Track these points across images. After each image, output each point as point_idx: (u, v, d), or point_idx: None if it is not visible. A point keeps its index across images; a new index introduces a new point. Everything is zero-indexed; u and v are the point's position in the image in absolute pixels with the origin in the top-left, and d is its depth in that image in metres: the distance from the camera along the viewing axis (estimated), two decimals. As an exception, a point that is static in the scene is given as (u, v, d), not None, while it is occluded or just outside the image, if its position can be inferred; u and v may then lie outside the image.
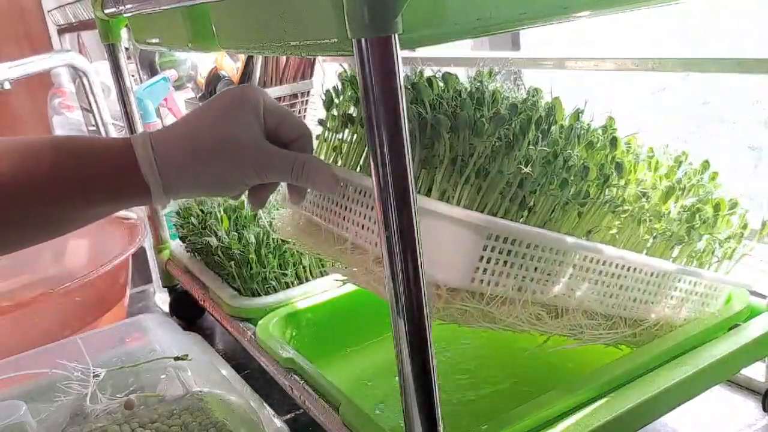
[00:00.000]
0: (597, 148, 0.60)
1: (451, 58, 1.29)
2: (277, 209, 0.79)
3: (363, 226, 0.60)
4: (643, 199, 0.61)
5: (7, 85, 1.36)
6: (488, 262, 0.54)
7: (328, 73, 1.57)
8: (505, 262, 0.54)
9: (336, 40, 0.40)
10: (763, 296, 0.72)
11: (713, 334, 0.67)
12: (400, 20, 0.37)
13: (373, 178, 0.40)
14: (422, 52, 1.39)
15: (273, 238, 0.87)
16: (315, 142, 0.63)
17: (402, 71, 0.37)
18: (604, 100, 1.20)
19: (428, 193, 0.54)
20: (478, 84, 0.62)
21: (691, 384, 0.61)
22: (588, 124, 0.62)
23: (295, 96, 1.47)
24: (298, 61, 1.44)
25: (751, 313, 0.70)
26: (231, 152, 0.51)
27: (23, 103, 2.60)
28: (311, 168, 0.54)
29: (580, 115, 0.62)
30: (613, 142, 0.61)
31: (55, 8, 2.14)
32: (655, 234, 0.63)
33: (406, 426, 0.46)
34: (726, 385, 0.75)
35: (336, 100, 0.68)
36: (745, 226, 0.69)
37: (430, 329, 0.43)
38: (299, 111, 1.49)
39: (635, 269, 0.62)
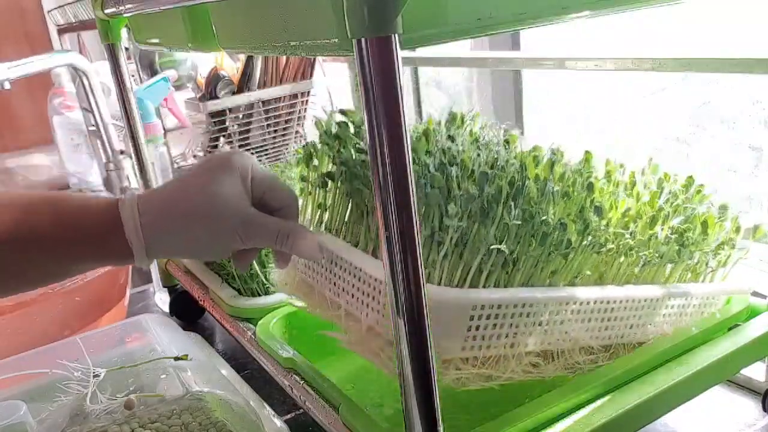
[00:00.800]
0: (574, 196, 0.59)
1: (451, 58, 1.29)
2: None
3: (353, 296, 0.61)
4: (628, 236, 0.61)
5: (7, 85, 1.36)
6: (477, 329, 0.54)
7: (329, 73, 1.57)
8: (495, 325, 0.55)
9: (336, 40, 0.40)
10: (763, 296, 0.72)
11: (713, 334, 0.67)
12: (400, 20, 0.37)
13: (373, 178, 0.40)
14: (422, 52, 1.39)
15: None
16: (300, 199, 0.63)
17: (402, 71, 0.38)
18: (604, 100, 1.20)
19: None
20: (449, 144, 0.60)
21: (691, 384, 0.61)
22: (562, 173, 0.60)
23: (295, 96, 1.47)
24: (298, 61, 1.44)
25: (751, 313, 0.70)
26: (216, 220, 0.52)
27: (23, 103, 2.60)
28: (296, 237, 0.55)
29: (554, 164, 0.61)
30: (590, 187, 0.59)
31: (55, 8, 2.14)
32: (644, 261, 0.63)
33: (406, 426, 0.46)
34: (726, 385, 0.75)
35: (315, 157, 0.68)
36: (737, 230, 0.69)
37: (430, 329, 0.43)
38: (299, 111, 1.49)
39: (628, 300, 0.62)
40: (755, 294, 0.72)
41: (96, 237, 0.52)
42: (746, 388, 0.74)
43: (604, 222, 0.59)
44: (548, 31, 1.18)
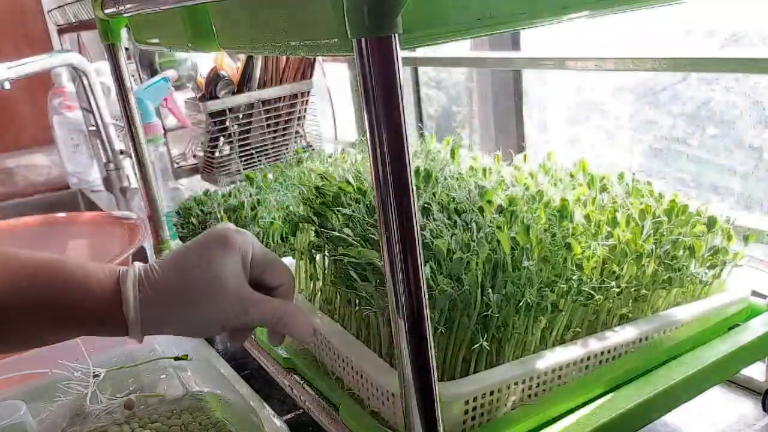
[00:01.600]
0: (553, 261, 0.58)
1: (451, 58, 1.29)
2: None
3: (353, 378, 0.61)
4: (613, 284, 0.60)
5: (7, 85, 1.37)
6: (474, 409, 0.55)
7: (329, 73, 1.57)
8: (491, 401, 0.55)
9: (336, 40, 0.40)
10: (763, 296, 0.72)
11: (713, 334, 0.67)
12: (400, 20, 0.37)
13: (373, 177, 0.40)
14: (422, 52, 1.39)
15: (272, 238, 0.87)
16: (292, 265, 0.64)
17: (402, 71, 0.38)
18: (603, 100, 1.20)
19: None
20: (423, 222, 0.58)
21: (691, 384, 0.61)
22: (539, 239, 0.58)
23: (295, 96, 1.47)
24: (298, 61, 1.44)
25: (751, 313, 0.70)
26: (215, 303, 0.53)
27: (23, 103, 2.60)
28: (290, 319, 0.55)
29: (529, 228, 0.58)
30: (569, 247, 0.59)
31: (55, 8, 2.14)
32: (635, 297, 0.63)
33: (406, 426, 0.46)
34: (726, 385, 0.75)
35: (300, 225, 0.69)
36: (729, 238, 0.68)
37: (430, 329, 0.43)
38: (299, 111, 1.49)
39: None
40: (755, 294, 0.72)
41: (93, 310, 0.52)
42: (746, 388, 0.74)
43: (587, 272, 0.59)
44: (548, 31, 1.18)
